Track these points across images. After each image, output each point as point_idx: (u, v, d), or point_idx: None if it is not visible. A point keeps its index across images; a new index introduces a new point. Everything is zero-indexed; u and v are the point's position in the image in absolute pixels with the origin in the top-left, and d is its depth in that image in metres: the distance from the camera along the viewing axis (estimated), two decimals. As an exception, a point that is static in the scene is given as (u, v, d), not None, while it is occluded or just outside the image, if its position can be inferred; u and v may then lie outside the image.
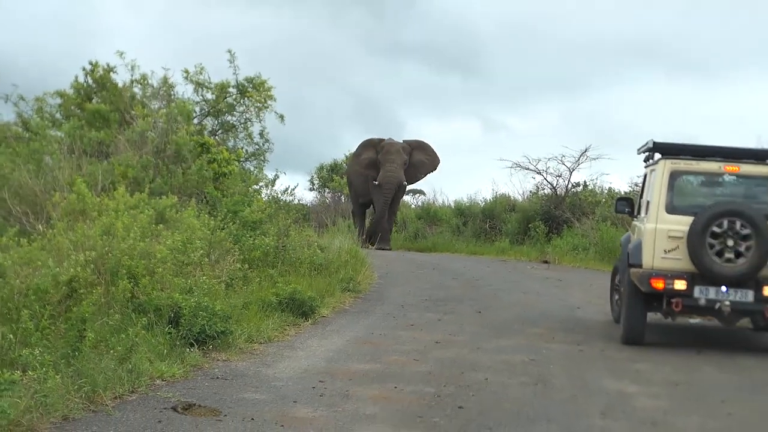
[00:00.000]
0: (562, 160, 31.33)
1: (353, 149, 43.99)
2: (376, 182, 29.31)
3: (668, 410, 8.03)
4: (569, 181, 31.58)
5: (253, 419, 6.88)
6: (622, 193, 29.15)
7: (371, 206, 31.50)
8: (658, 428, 7.35)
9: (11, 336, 7.10)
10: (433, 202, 38.75)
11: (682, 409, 8.14)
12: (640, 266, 11.43)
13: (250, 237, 14.10)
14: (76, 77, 24.19)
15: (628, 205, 13.29)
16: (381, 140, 30.48)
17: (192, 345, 8.97)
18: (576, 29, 65.75)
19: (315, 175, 45.40)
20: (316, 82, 68.83)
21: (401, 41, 69.07)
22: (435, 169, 30.98)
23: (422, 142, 30.78)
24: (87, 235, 10.46)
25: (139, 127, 17.54)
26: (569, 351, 10.98)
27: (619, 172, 65.99)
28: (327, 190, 44.39)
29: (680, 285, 11.12)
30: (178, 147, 17.22)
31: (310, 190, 44.95)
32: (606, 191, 31.58)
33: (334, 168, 45.32)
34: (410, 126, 67.72)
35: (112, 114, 18.80)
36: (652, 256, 11.37)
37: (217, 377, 8.34)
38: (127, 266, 9.72)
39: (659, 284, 11.16)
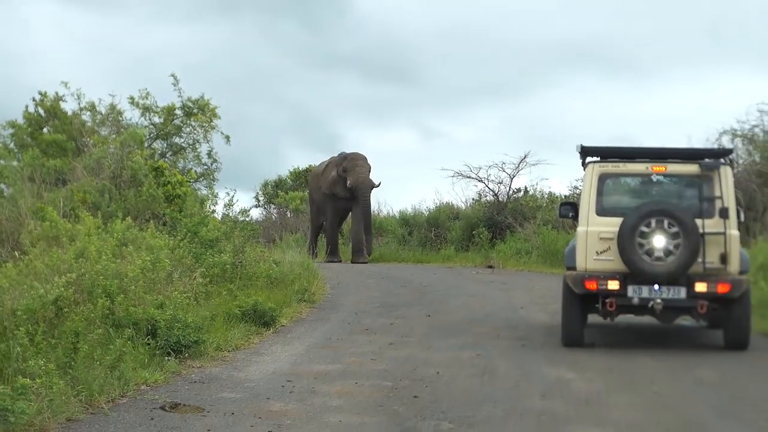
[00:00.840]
0: (502, 167, 32.33)
1: (297, 165, 44.64)
2: (349, 185, 29.14)
3: (601, 391, 9.01)
4: (510, 187, 32.58)
5: (233, 414, 7.77)
6: (563, 197, 30.18)
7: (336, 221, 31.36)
8: (592, 405, 8.32)
9: (17, 350, 7.87)
10: (378, 213, 39.58)
11: (614, 389, 9.12)
12: (575, 269, 11.74)
13: (209, 255, 14.92)
14: (27, 107, 24.91)
15: (572, 209, 12.91)
16: (341, 156, 30.30)
17: (169, 354, 9.84)
18: (509, 34, 66.58)
19: (260, 192, 46.04)
20: (253, 97, 69.12)
21: (335, 53, 69.32)
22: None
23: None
24: (62, 259, 11.27)
25: (95, 154, 18.30)
26: (513, 346, 11.93)
27: (559, 176, 67.16)
28: (273, 206, 44.98)
29: (613, 285, 11.41)
30: (133, 172, 18.01)
31: (256, 206, 45.59)
32: (546, 196, 32.66)
33: (279, 184, 45.98)
34: (349, 138, 67.92)
35: (68, 143, 19.53)
36: (585, 258, 11.67)
37: (195, 381, 9.20)
38: (103, 285, 10.53)
39: (592, 285, 11.46)
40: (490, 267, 26.77)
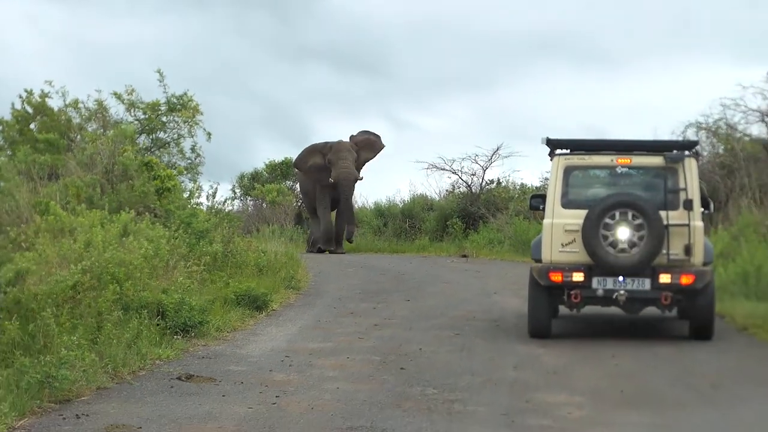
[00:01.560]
0: (475, 160, 33.38)
1: (273, 158, 45.21)
2: (332, 180, 29.29)
3: (568, 364, 10.08)
4: (483, 179, 33.66)
5: (242, 383, 8.77)
6: (534, 188, 31.21)
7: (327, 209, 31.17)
8: (559, 375, 9.38)
9: (53, 327, 8.82)
10: (354, 204, 40.49)
11: (579, 362, 10.21)
12: (541, 261, 11.87)
13: (202, 244, 15.87)
14: (13, 104, 25.74)
15: (543, 201, 12.53)
16: (325, 144, 30.40)
17: (177, 333, 10.82)
18: (480, 25, 67.19)
19: (236, 184, 46.81)
20: (224, 89, 69.49)
21: (305, 44, 69.45)
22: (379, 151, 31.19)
23: (368, 138, 30.87)
24: (72, 249, 12.20)
25: (88, 150, 19.18)
26: (487, 327, 12.97)
27: (530, 168, 68.09)
28: (249, 198, 45.75)
29: (578, 277, 11.46)
30: (125, 167, 18.90)
31: (233, 199, 46.31)
32: (518, 187, 33.76)
33: (255, 177, 46.75)
34: (321, 129, 68.08)
35: (61, 141, 20.40)
36: (551, 251, 11.73)
37: (203, 357, 10.20)
38: (111, 273, 11.47)
39: (557, 277, 11.52)
40: (464, 256, 27.84)
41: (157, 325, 10.64)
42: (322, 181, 29.83)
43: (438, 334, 12.10)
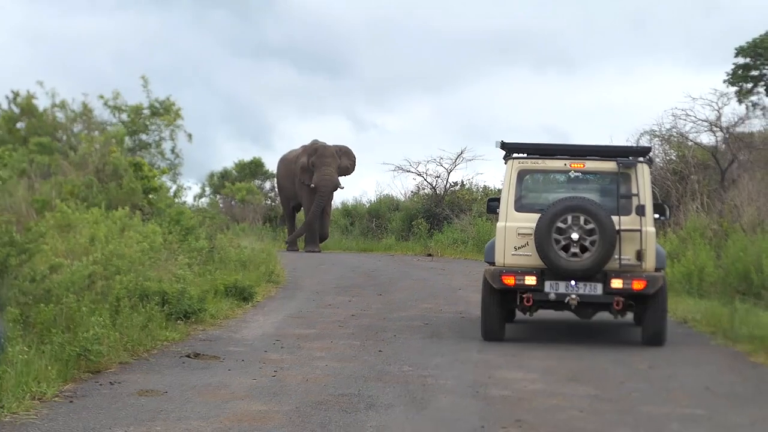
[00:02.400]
0: (440, 162, 34.89)
1: (242, 157, 46.33)
2: (312, 185, 30.25)
3: (525, 347, 11.49)
4: (447, 181, 35.16)
5: (243, 360, 10.12)
6: (497, 190, 32.70)
7: (300, 209, 32.38)
8: (517, 357, 10.78)
9: (82, 310, 10.10)
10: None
11: (535, 347, 11.61)
12: (494, 264, 11.93)
13: (190, 240, 17.18)
14: (0, 105, 26.89)
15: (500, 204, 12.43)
16: (312, 144, 31.00)
17: (179, 319, 12.13)
18: (439, 25, 68.28)
19: (206, 182, 47.96)
20: (184, 86, 70.18)
21: (265, 42, 70.10)
22: (352, 172, 31.96)
23: (346, 148, 31.75)
24: (78, 243, 13.47)
25: (80, 150, 20.42)
26: (453, 317, 14.37)
27: (492, 170, 69.56)
28: (219, 197, 46.91)
29: (530, 281, 11.52)
30: (115, 167, 20.15)
31: (201, 197, 47.41)
32: (481, 189, 35.29)
33: (225, 175, 47.92)
34: (281, 128, 68.18)
35: (54, 143, 21.63)
36: (503, 254, 11.79)
37: (204, 339, 11.54)
38: (116, 265, 12.75)
39: (510, 281, 11.58)
40: (429, 255, 29.31)
41: (162, 311, 11.93)
42: (304, 181, 30.43)
43: (409, 324, 13.47)
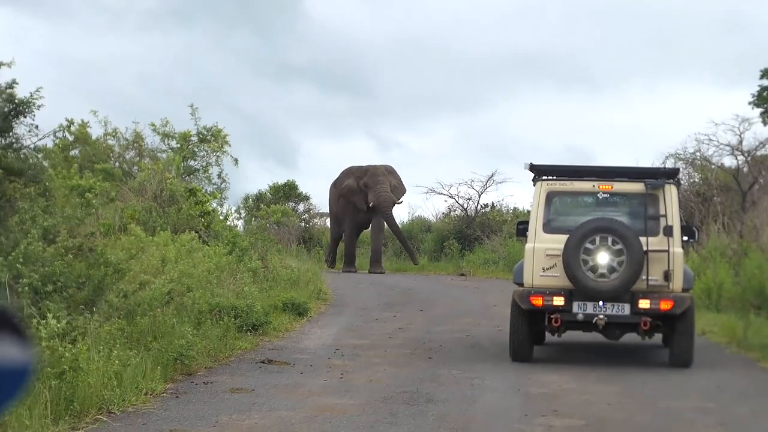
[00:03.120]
0: (471, 185, 36.31)
1: (276, 180, 47.65)
2: (370, 204, 30.82)
3: (556, 358, 12.85)
4: (478, 203, 36.56)
5: (311, 365, 11.54)
6: (526, 212, 34.01)
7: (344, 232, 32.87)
8: (552, 363, 12.14)
9: (164, 321, 11.54)
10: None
11: (567, 356, 12.96)
12: (522, 285, 12.10)
13: (247, 260, 18.65)
14: (54, 132, 28.48)
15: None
16: (360, 167, 32.00)
17: (248, 331, 13.57)
18: (463, 45, 68.84)
19: (241, 205, 49.41)
20: (207, 107, 70.90)
21: (288, 63, 70.47)
22: (403, 191, 32.68)
23: (391, 167, 32.35)
24: (151, 264, 14.95)
25: (139, 177, 21.97)
26: (491, 331, 15.73)
27: (522, 192, 70.77)
28: (254, 219, 48.34)
29: (558, 301, 11.61)
30: (172, 192, 21.67)
31: (238, 219, 48.80)
32: (512, 211, 36.65)
33: (260, 198, 49.35)
34: (305, 148, 68.54)
35: (116, 170, 23.18)
36: (532, 275, 11.90)
37: (272, 349, 12.97)
38: (186, 284, 14.21)
39: (538, 301, 11.70)
40: (462, 275, 30.68)
41: (234, 323, 13.37)
42: (356, 204, 31.24)
43: (452, 336, 14.87)
